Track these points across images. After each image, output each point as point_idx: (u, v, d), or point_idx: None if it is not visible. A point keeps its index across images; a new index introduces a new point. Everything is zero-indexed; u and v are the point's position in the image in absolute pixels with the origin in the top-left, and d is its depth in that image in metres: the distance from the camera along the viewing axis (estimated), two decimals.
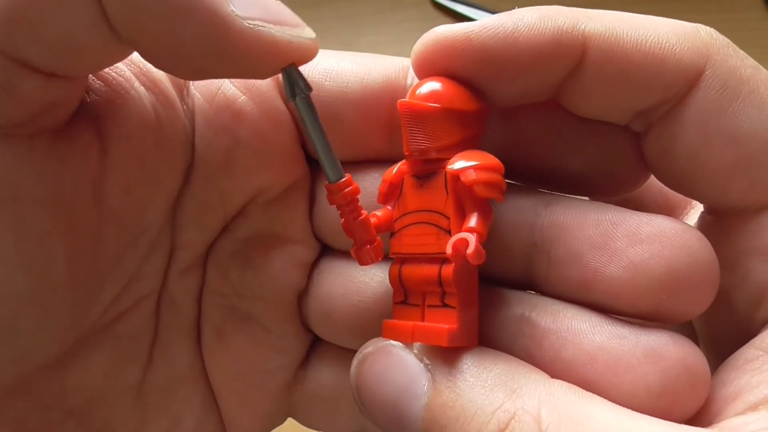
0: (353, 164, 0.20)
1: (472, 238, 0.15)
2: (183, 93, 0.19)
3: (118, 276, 0.19)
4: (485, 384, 0.14)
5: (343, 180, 0.17)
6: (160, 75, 0.19)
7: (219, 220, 0.20)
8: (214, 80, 0.19)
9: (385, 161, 0.19)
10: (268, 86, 0.19)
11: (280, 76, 0.16)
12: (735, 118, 0.15)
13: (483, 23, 0.16)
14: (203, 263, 0.21)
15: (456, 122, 0.16)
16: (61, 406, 0.18)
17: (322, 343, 0.21)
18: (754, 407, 0.14)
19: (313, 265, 0.21)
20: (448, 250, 0.16)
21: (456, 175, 0.16)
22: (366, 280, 0.20)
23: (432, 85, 0.16)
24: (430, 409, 0.15)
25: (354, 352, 0.18)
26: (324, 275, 0.20)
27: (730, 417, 0.14)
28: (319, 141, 0.16)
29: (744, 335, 0.16)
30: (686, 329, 0.18)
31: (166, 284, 0.20)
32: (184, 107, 0.19)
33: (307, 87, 0.16)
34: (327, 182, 0.17)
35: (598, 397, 0.14)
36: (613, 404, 0.14)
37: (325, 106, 0.18)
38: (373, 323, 0.19)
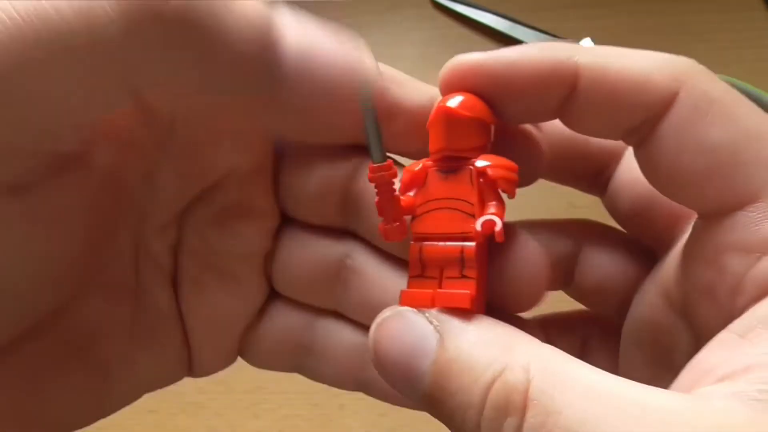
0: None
1: (498, 220, 0.18)
2: None
3: (103, 234, 0.21)
4: (486, 342, 0.17)
5: (384, 163, 0.19)
6: None
7: (196, 188, 0.22)
8: None
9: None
10: None
11: None
12: (704, 131, 0.17)
13: (492, 53, 0.19)
14: (179, 224, 0.23)
15: (480, 130, 0.20)
16: (64, 346, 0.20)
17: (276, 295, 0.25)
18: (720, 379, 0.15)
19: (278, 231, 0.24)
20: (478, 227, 0.19)
21: (483, 171, 0.19)
22: (318, 248, 0.23)
23: (464, 99, 0.19)
24: (437, 365, 0.17)
25: (304, 305, 0.23)
26: (286, 240, 0.24)
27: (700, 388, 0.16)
28: (372, 122, 0.18)
29: (727, 324, 0.17)
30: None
31: (143, 240, 0.22)
32: None
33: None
34: (371, 163, 0.19)
35: (582, 362, 0.16)
36: (595, 368, 0.16)
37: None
38: (322, 280, 0.23)
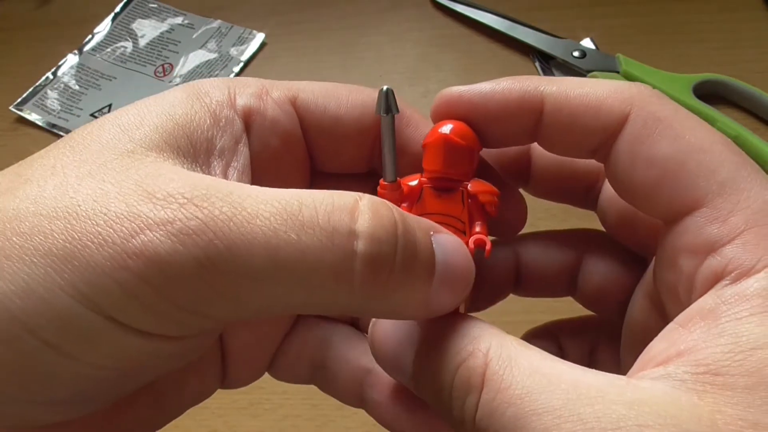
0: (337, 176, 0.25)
1: (488, 240, 0.21)
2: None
3: None
4: (457, 334, 0.19)
5: (395, 182, 0.21)
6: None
7: None
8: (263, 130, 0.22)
9: (364, 174, 0.25)
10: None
11: None
12: (652, 147, 0.19)
13: (472, 86, 0.21)
14: None
15: (471, 156, 0.22)
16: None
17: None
18: (657, 365, 0.17)
19: None
20: (471, 245, 0.21)
21: (475, 195, 0.22)
22: None
23: (458, 127, 0.21)
24: (418, 354, 0.20)
25: (323, 318, 0.26)
26: None
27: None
28: (390, 150, 0.21)
29: None
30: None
31: None
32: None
33: (396, 109, 0.21)
34: (383, 180, 0.21)
35: (537, 349, 0.18)
36: (545, 353, 0.18)
37: (332, 146, 0.24)
38: None
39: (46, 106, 0.60)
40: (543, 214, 0.45)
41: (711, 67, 0.54)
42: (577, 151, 0.22)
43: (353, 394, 0.25)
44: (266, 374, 0.27)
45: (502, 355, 0.18)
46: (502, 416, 0.16)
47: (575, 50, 0.56)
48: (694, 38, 0.57)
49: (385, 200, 0.18)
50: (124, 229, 0.16)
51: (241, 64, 0.61)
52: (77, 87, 0.61)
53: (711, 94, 0.52)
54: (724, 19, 0.58)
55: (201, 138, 0.20)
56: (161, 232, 0.16)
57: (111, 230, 0.16)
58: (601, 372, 0.17)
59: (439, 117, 0.22)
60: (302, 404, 0.42)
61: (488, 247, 0.21)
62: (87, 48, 0.64)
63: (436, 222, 0.21)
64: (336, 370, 0.25)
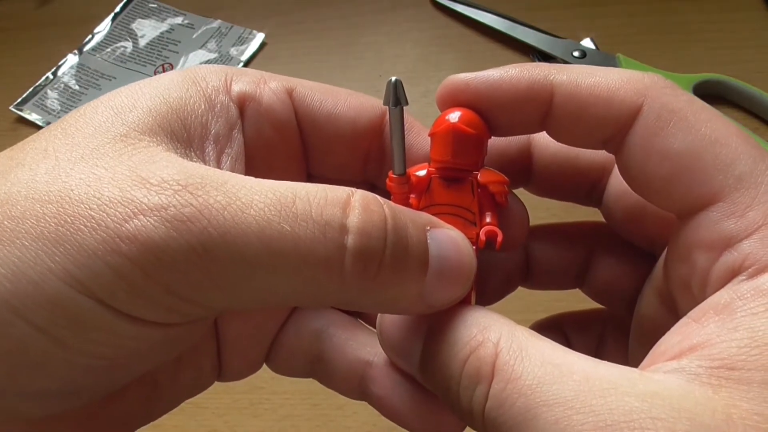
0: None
1: (499, 231, 0.21)
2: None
3: None
4: (466, 323, 0.19)
5: (404, 175, 0.21)
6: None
7: None
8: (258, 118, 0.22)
9: (358, 182, 0.24)
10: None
11: None
12: (666, 140, 0.19)
13: (479, 74, 0.21)
14: None
15: (481, 145, 0.21)
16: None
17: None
18: (670, 358, 0.17)
19: None
20: (482, 237, 0.21)
21: (485, 185, 0.21)
22: None
23: (466, 115, 0.21)
24: (426, 343, 0.20)
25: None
26: None
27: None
28: (399, 143, 0.20)
29: None
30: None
31: None
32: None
33: (406, 101, 0.20)
34: (391, 173, 0.21)
35: (548, 339, 0.18)
36: (556, 344, 0.18)
37: (325, 144, 0.24)
38: None
39: (46, 106, 0.60)
40: (543, 213, 0.45)
41: (711, 67, 0.54)
42: (587, 142, 0.21)
43: (354, 388, 0.25)
44: (266, 375, 0.27)
45: (512, 345, 0.17)
46: (512, 407, 0.16)
47: (575, 50, 0.56)
48: (694, 38, 0.57)
49: (376, 196, 0.18)
50: (117, 213, 0.16)
51: (241, 64, 0.61)
52: (77, 87, 0.61)
53: (711, 94, 0.52)
54: (724, 19, 0.58)
55: (195, 123, 0.20)
56: (155, 218, 0.16)
57: (104, 214, 0.16)
58: (613, 364, 0.17)
59: (445, 105, 0.22)
60: (302, 404, 0.42)
61: (499, 238, 0.20)
62: (87, 48, 0.64)
63: (446, 213, 0.20)
64: (334, 363, 0.25)
